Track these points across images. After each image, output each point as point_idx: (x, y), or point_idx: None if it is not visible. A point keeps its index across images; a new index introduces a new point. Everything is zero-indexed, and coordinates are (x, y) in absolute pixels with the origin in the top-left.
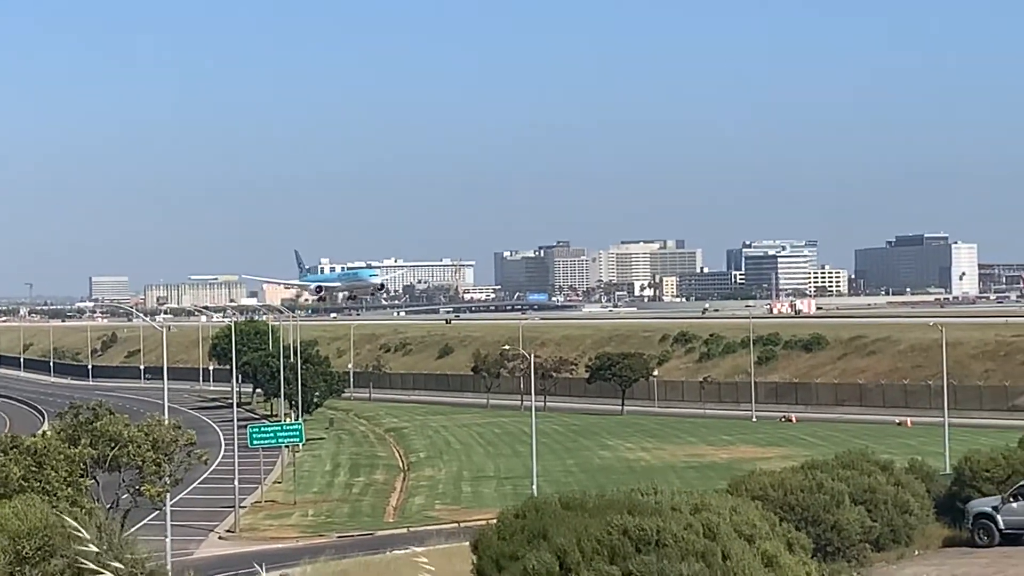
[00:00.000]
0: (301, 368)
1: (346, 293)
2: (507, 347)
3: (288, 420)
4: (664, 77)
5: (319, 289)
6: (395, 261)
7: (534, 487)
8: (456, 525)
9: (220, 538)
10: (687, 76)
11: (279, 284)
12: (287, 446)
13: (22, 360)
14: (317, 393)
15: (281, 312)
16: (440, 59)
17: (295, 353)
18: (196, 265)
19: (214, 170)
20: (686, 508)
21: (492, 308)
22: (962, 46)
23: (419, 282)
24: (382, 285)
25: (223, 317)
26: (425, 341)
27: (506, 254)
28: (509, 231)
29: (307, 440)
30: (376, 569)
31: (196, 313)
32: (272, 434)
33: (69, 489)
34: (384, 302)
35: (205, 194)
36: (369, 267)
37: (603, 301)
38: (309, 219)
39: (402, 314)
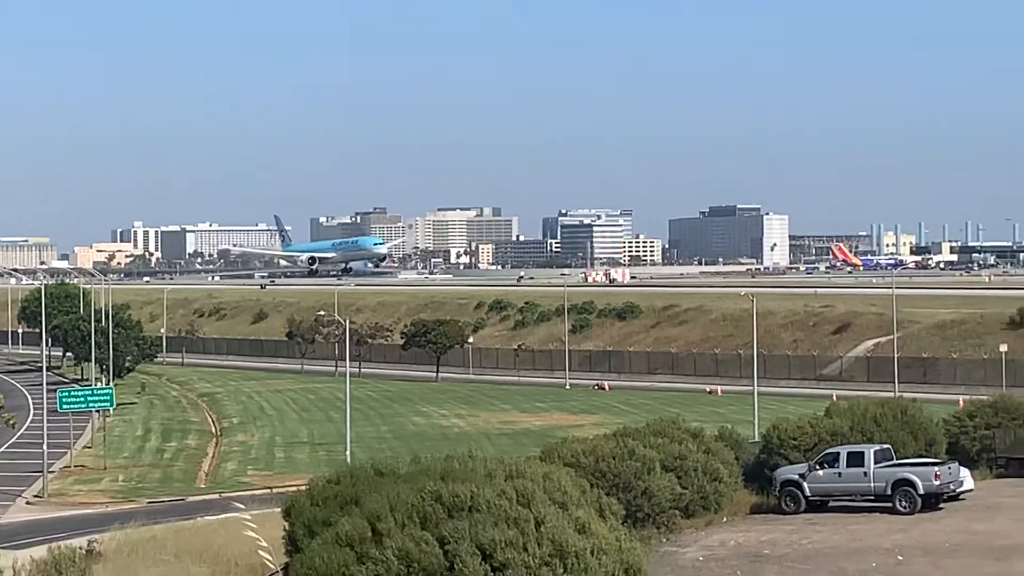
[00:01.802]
0: (112, 332)
1: (343, 263)
2: (322, 313)
3: (99, 384)
4: (479, 45)
5: (312, 260)
6: (210, 225)
7: (348, 453)
8: (269, 491)
9: (27, 503)
10: (502, 45)
11: (267, 254)
12: (97, 411)
13: None
14: (129, 358)
15: (93, 275)
16: (252, 24)
17: (106, 317)
18: (3, 227)
19: (11, 126)
20: (499, 475)
21: (307, 273)
22: (775, 19)
23: (234, 246)
24: (384, 256)
25: (33, 280)
26: (240, 306)
27: (322, 220)
28: (325, 196)
29: (118, 405)
30: (187, 535)
31: (5, 275)
32: (82, 398)
33: None
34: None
35: (5, 152)
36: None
37: (419, 268)
38: (120, 180)
39: (216, 279)
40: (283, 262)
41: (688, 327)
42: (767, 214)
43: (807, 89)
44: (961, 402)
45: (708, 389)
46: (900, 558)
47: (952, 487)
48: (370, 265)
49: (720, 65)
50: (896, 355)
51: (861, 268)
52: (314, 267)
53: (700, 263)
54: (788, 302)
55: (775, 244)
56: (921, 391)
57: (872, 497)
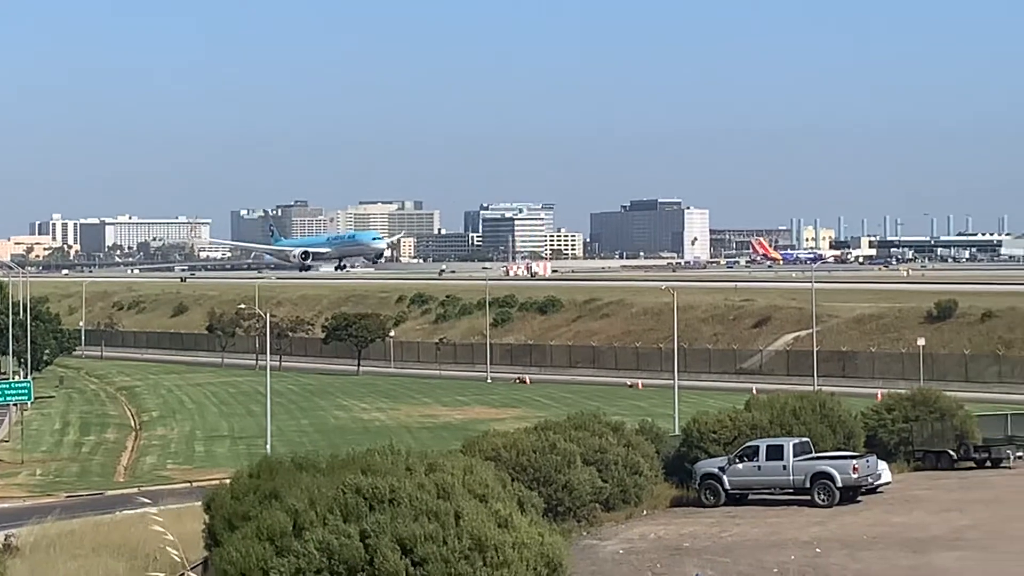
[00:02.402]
0: (30, 325)
1: (338, 259)
2: (243, 306)
3: (16, 378)
4: (398, 38)
5: (305, 255)
6: (129, 218)
7: (268, 447)
8: (189, 485)
9: None
10: (422, 38)
11: (255, 248)
12: (15, 404)
13: None
14: (47, 351)
15: (10, 268)
16: (172, 15)
17: (24, 310)
18: None
19: None
20: (420, 468)
21: (228, 267)
22: (686, 17)
23: (154, 239)
24: (382, 252)
25: None
26: (159, 299)
27: (243, 212)
28: (246, 189)
29: (36, 398)
30: (105, 529)
31: None
32: None
33: None
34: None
35: None
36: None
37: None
38: (38, 172)
39: (136, 271)
40: (268, 257)
41: (609, 321)
42: (688, 208)
43: (727, 85)
44: (879, 396)
45: (629, 383)
46: (818, 551)
47: (870, 480)
48: (362, 260)
49: (640, 61)
50: (815, 349)
51: (781, 262)
52: (307, 263)
53: (621, 257)
54: (709, 296)
55: (696, 238)
56: (840, 385)
57: (791, 490)
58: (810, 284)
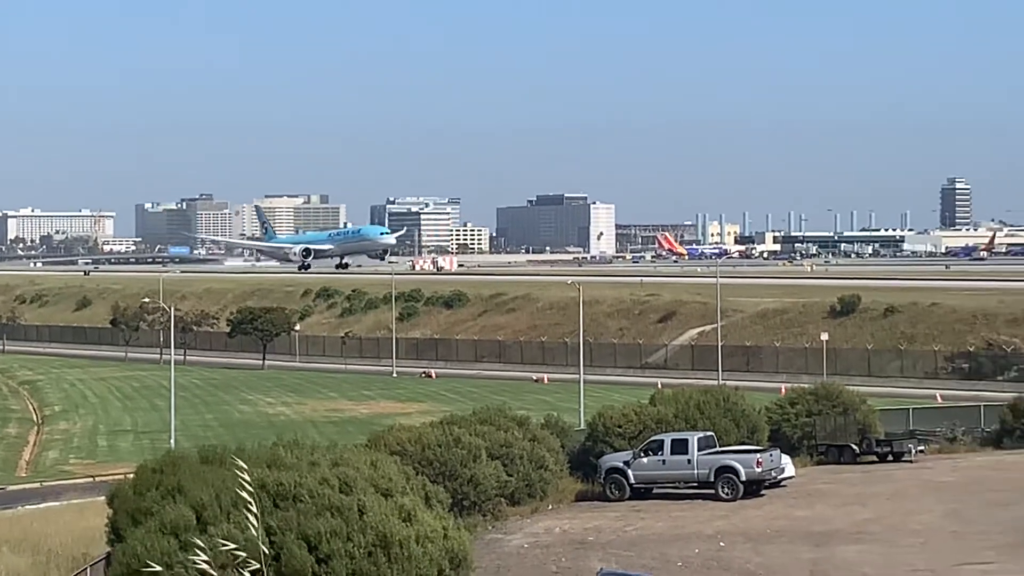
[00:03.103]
0: None
1: (340, 256)
2: (147, 300)
3: None
4: (305, 30)
5: (307, 252)
6: (32, 211)
7: (172, 441)
8: (91, 479)
9: None
10: (330, 31)
11: (248, 245)
12: None
13: None
14: None
15: None
16: (78, 5)
17: None
18: None
19: None
20: (325, 463)
21: (132, 260)
22: (595, 12)
23: (57, 232)
24: (390, 248)
25: None
26: (62, 293)
27: (147, 206)
28: (150, 182)
29: None
30: (7, 524)
31: None
32: None
33: None
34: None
35: None
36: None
37: (246, 255)
38: None
39: (39, 265)
40: (263, 254)
41: (515, 315)
42: (594, 203)
43: (634, 80)
44: (783, 390)
45: (535, 377)
46: (722, 544)
47: (773, 474)
48: (365, 257)
49: (549, 55)
50: (720, 343)
51: (686, 257)
52: (308, 260)
53: (528, 252)
54: (614, 291)
55: (602, 233)
56: (744, 379)
57: (695, 484)
58: (715, 279)
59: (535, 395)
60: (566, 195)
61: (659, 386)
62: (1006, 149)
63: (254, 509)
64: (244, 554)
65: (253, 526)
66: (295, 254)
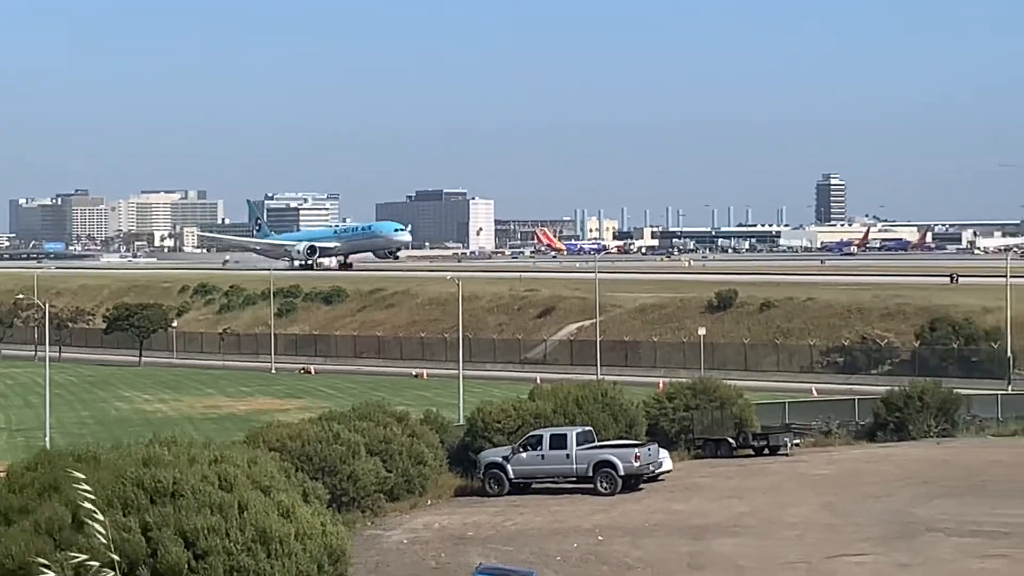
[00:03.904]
0: None
1: (343, 256)
2: (21, 296)
3: None
4: (179, 24)
5: (312, 250)
6: None
7: (47, 439)
8: None
9: None
10: (203, 24)
11: (242, 242)
12: None
13: None
14: None
15: None
16: None
17: None
18: None
19: None
20: (203, 460)
21: (6, 256)
22: (475, 10)
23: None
24: (405, 245)
25: None
26: None
27: (22, 201)
28: (25, 177)
29: None
30: None
31: None
32: None
33: None
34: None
35: None
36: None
37: (122, 251)
38: None
39: None
40: (257, 253)
41: (394, 311)
42: (473, 199)
43: (513, 76)
44: (661, 385)
45: (414, 372)
46: (600, 538)
47: (651, 468)
48: (371, 256)
49: (426, 53)
50: (598, 339)
51: (565, 253)
52: (313, 259)
53: (407, 247)
54: (493, 286)
55: (481, 228)
56: (623, 374)
57: (574, 479)
58: (594, 274)
59: (414, 391)
60: (445, 191)
61: (538, 381)
62: (880, 146)
63: (100, 517)
64: (97, 564)
65: (100, 534)
66: (299, 252)
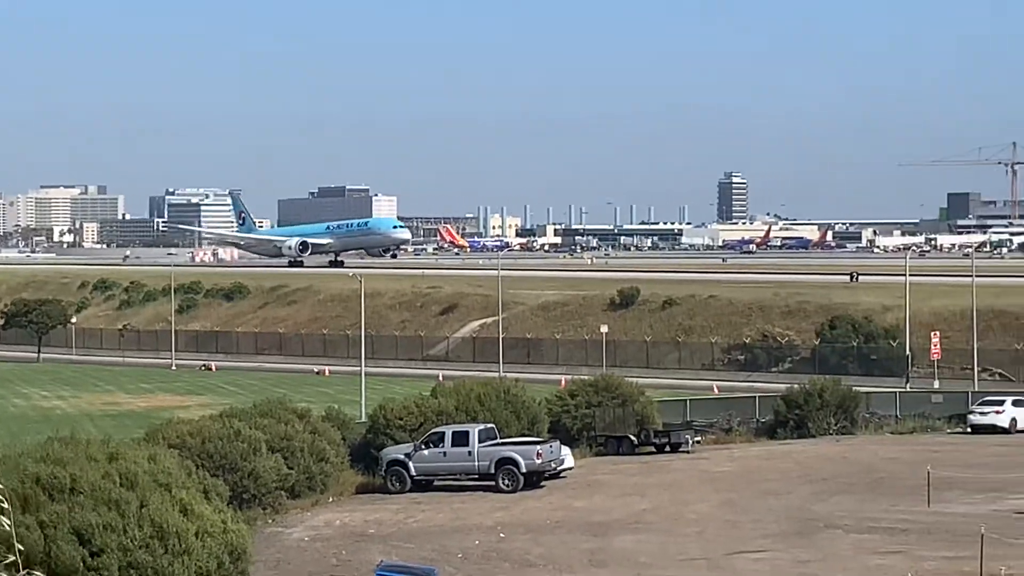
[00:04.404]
0: None
1: (335, 253)
2: None
3: None
4: (81, 17)
5: (304, 246)
6: None
7: None
8: None
9: None
10: (104, 18)
11: (231, 237)
12: None
13: None
14: None
15: None
16: None
17: None
18: None
19: None
20: (102, 457)
21: (291, 263)
22: (374, 6)
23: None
24: (403, 243)
25: None
26: None
27: None
28: None
29: None
30: None
31: None
32: None
33: None
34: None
35: None
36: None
37: (20, 246)
38: None
39: None
40: (241, 248)
41: (296, 308)
42: (376, 196)
43: (414, 72)
44: (563, 382)
45: (316, 369)
46: (502, 535)
47: (553, 465)
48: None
49: (327, 47)
50: (501, 336)
51: (468, 250)
52: (304, 256)
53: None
54: (396, 283)
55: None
56: (525, 371)
57: (476, 476)
58: (496, 271)
59: (316, 388)
60: (348, 187)
61: (440, 378)
62: (781, 144)
63: (5, 506)
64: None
65: (6, 523)
66: (289, 248)
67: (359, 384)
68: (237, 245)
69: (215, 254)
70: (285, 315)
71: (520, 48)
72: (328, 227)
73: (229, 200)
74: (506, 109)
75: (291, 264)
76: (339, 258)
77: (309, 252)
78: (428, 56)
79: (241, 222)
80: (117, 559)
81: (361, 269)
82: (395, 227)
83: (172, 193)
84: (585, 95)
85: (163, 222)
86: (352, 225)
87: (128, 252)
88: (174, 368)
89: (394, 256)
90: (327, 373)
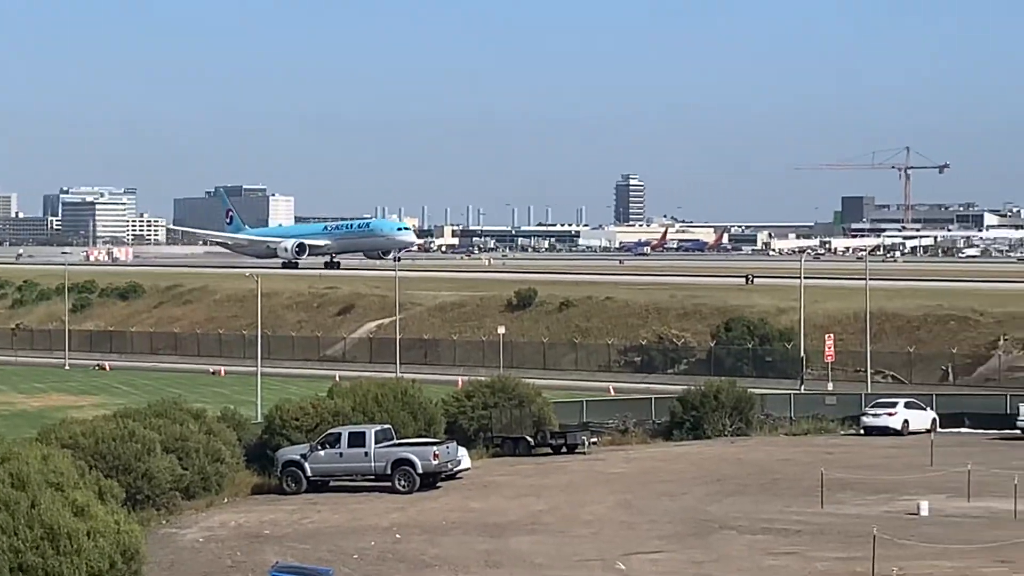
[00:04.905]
0: None
1: (332, 255)
2: None
3: None
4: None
5: (301, 248)
6: None
7: None
8: None
9: None
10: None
11: (221, 237)
12: None
13: None
14: None
15: None
16: None
17: None
18: None
19: None
20: None
21: (284, 265)
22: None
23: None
24: (408, 246)
25: None
26: None
27: None
28: None
29: None
30: None
31: None
32: None
33: None
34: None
35: None
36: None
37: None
38: None
39: None
40: (230, 248)
41: (192, 307)
42: (273, 195)
43: (311, 71)
44: (460, 383)
45: (211, 369)
46: (398, 536)
47: (450, 466)
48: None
49: (224, 47)
50: (398, 336)
51: None
52: (301, 257)
53: (205, 244)
54: (293, 283)
55: (280, 224)
56: (422, 372)
57: (373, 477)
58: (393, 272)
59: (212, 388)
60: (244, 186)
61: (337, 379)
62: (678, 147)
63: None
64: None
65: None
66: (286, 250)
67: (255, 384)
68: (224, 245)
69: (110, 253)
70: (180, 315)
71: (415, 46)
72: (326, 227)
73: (124, 199)
74: (400, 109)
75: (285, 266)
76: (336, 260)
77: (307, 254)
78: (321, 55)
79: (229, 221)
80: (8, 561)
81: (355, 271)
82: (399, 229)
83: (66, 192)
84: (483, 94)
85: (57, 221)
86: (352, 226)
87: (21, 250)
88: (68, 368)
89: (397, 259)
90: (223, 373)
